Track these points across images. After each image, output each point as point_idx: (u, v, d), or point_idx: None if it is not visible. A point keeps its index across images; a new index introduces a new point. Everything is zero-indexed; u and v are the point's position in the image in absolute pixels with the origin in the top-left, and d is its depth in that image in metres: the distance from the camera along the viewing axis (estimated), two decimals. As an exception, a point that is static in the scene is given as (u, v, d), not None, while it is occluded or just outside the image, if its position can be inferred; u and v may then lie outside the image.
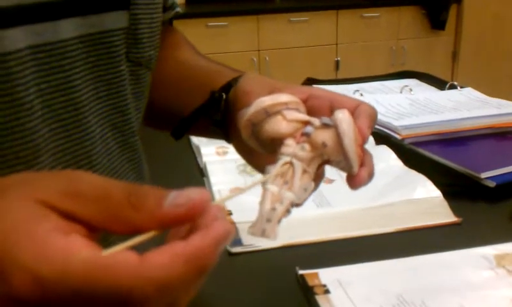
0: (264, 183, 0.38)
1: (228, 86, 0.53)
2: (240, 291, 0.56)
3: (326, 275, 0.56)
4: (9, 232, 0.27)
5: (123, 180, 0.53)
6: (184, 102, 0.58)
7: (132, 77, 0.52)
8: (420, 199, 0.69)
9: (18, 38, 0.40)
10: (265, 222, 0.36)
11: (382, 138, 0.90)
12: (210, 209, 0.30)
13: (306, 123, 0.40)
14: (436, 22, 3.63)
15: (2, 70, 0.40)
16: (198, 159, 0.88)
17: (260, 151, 0.45)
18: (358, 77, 1.34)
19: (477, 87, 1.11)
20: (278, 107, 0.41)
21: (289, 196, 0.37)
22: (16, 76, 0.40)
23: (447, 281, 0.55)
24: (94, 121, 0.48)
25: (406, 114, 0.96)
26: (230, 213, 0.67)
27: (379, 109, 0.77)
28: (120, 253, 0.27)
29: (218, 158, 0.86)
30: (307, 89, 0.46)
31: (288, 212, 0.38)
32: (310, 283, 0.55)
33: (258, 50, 3.38)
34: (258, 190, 0.38)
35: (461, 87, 1.15)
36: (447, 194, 0.69)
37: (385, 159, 0.81)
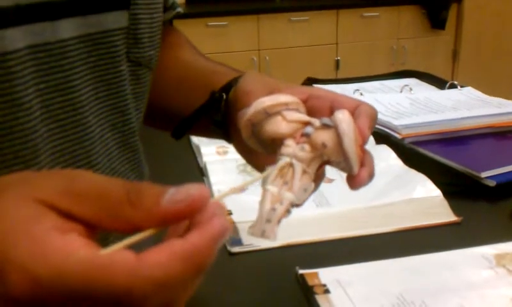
0: (263, 184, 0.38)
1: (229, 86, 0.53)
2: (240, 291, 0.56)
3: (326, 275, 0.56)
4: (7, 232, 0.27)
5: (123, 179, 0.53)
6: (184, 102, 0.58)
7: (132, 77, 0.52)
8: (420, 199, 0.69)
9: (17, 37, 0.40)
10: (264, 223, 0.36)
11: (382, 137, 0.90)
12: (209, 206, 0.29)
13: (306, 123, 0.40)
14: (436, 22, 3.62)
15: (1, 69, 0.40)
16: (198, 159, 0.88)
17: (260, 152, 0.45)
18: (358, 76, 1.34)
19: (477, 86, 1.11)
20: (278, 107, 0.41)
21: (289, 196, 0.37)
22: (16, 76, 0.40)
23: (447, 280, 0.55)
24: (94, 122, 0.48)
25: (406, 113, 0.96)
26: (230, 213, 0.67)
27: (379, 108, 0.77)
28: (117, 253, 0.27)
29: (218, 157, 0.86)
30: (307, 90, 0.46)
31: (288, 212, 0.38)
32: (310, 282, 0.55)
33: (259, 50, 3.38)
34: (258, 190, 0.38)
35: (461, 86, 1.14)
36: (447, 194, 0.69)
37: (385, 158, 0.81)
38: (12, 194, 0.29)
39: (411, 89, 1.14)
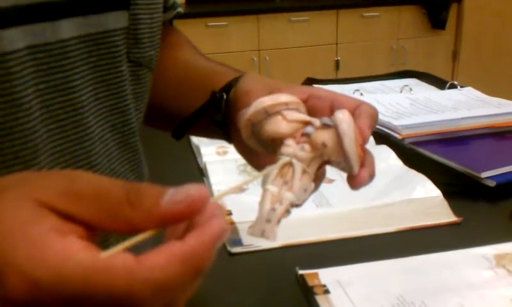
0: (263, 184, 0.38)
1: (229, 86, 0.53)
2: (240, 291, 0.56)
3: (326, 276, 0.56)
4: (6, 234, 0.27)
5: (122, 180, 0.53)
6: (184, 102, 0.58)
7: (132, 78, 0.52)
8: (420, 199, 0.69)
9: (17, 38, 0.40)
10: (264, 223, 0.36)
11: (382, 138, 0.90)
12: (208, 206, 0.29)
13: (306, 123, 0.40)
14: (436, 22, 3.62)
15: (0, 70, 0.40)
16: (198, 159, 0.88)
17: (260, 151, 0.45)
18: (358, 76, 1.34)
19: (477, 86, 1.11)
20: (278, 107, 0.41)
21: (289, 196, 0.37)
22: (15, 76, 0.40)
23: (446, 280, 0.55)
24: (93, 122, 0.48)
25: (406, 113, 0.96)
26: (230, 214, 0.67)
27: (379, 108, 0.77)
28: (116, 255, 0.27)
29: (218, 158, 0.86)
30: (307, 89, 0.46)
31: (287, 212, 0.38)
32: (310, 283, 0.55)
33: (259, 50, 3.38)
34: (258, 190, 0.38)
35: (461, 86, 1.14)
36: (447, 194, 0.69)
37: (385, 159, 0.81)
38: (12, 195, 0.29)
39: (411, 89, 1.14)
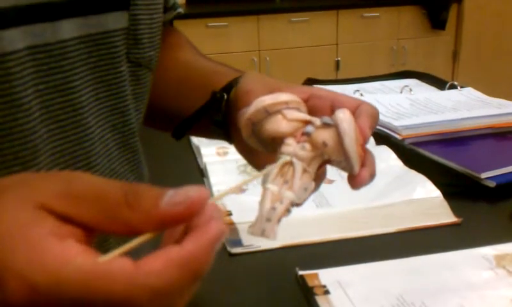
0: (263, 183, 0.38)
1: (229, 86, 0.53)
2: (240, 291, 0.56)
3: (326, 276, 0.55)
4: (5, 237, 0.27)
5: (122, 181, 0.53)
6: (184, 102, 0.58)
7: (132, 78, 0.52)
8: (420, 200, 0.69)
9: (16, 38, 0.40)
10: (264, 222, 0.36)
11: (382, 138, 0.90)
12: (206, 208, 0.29)
13: (307, 122, 0.40)
14: (437, 22, 3.62)
15: (0, 70, 0.40)
16: (198, 159, 0.88)
17: (260, 151, 0.45)
18: (359, 77, 1.34)
19: (477, 87, 1.11)
20: (278, 106, 0.41)
21: (289, 195, 0.37)
22: (15, 77, 0.40)
23: (446, 281, 0.55)
24: (93, 122, 0.48)
25: (406, 114, 0.96)
26: (230, 214, 0.67)
27: (379, 109, 0.76)
28: (115, 260, 0.27)
29: (218, 158, 0.86)
30: (308, 89, 0.46)
31: (288, 211, 0.38)
32: (310, 283, 0.54)
33: (259, 50, 3.38)
34: (258, 190, 0.38)
35: (461, 87, 1.14)
36: (447, 194, 0.69)
37: (385, 159, 0.81)
38: (11, 197, 0.29)
39: (411, 89, 1.14)
